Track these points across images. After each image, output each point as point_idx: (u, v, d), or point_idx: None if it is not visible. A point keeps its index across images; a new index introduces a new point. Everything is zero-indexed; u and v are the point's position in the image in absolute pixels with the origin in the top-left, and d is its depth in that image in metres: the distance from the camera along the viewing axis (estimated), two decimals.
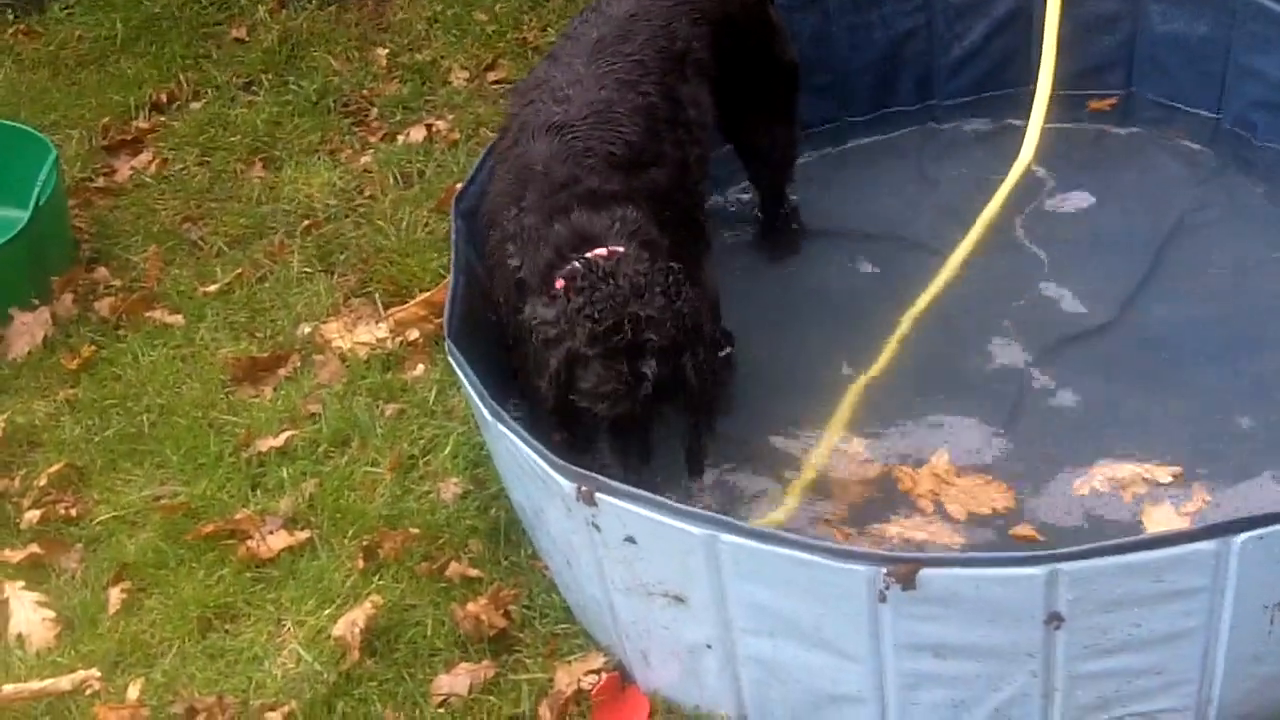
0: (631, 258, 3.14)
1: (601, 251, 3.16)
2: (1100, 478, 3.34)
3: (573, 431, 3.28)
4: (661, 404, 3.14)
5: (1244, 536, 2.56)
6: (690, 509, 2.79)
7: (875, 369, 3.67)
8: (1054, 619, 2.61)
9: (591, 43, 3.55)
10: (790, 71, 4.02)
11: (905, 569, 2.59)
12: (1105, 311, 3.82)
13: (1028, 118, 4.27)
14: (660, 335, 3.06)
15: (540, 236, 3.26)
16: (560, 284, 3.15)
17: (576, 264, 3.15)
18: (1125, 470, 3.35)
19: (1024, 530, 3.25)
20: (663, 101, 3.50)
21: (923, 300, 3.82)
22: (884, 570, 2.59)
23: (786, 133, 4.08)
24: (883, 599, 2.62)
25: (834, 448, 3.52)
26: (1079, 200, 4.18)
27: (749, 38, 3.87)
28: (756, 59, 3.89)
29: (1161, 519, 3.19)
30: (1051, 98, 4.24)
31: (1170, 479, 3.33)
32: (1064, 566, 2.54)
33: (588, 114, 3.39)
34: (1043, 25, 4.31)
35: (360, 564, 3.48)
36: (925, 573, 2.59)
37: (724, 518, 2.76)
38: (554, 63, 3.59)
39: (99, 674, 3.35)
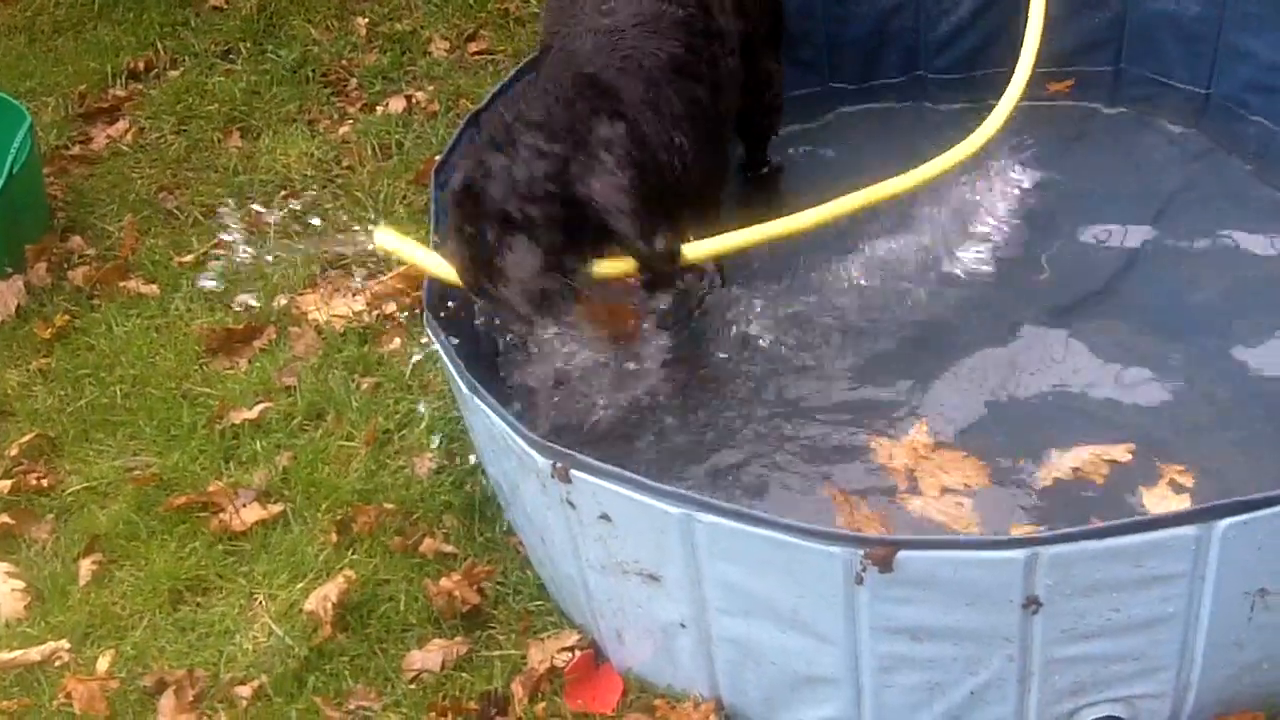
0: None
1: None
2: (1079, 458, 3.31)
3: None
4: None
5: (1226, 522, 2.54)
6: (666, 487, 2.76)
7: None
8: (1032, 603, 2.58)
9: None
10: (779, 6, 4.07)
11: (882, 551, 2.56)
12: (1089, 291, 3.78)
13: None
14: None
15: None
16: None
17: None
18: (1105, 451, 3.31)
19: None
20: (698, 12, 3.52)
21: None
22: (861, 552, 2.57)
23: (776, 67, 4.07)
24: (859, 581, 2.59)
25: None
26: (1062, 179, 4.13)
27: None
28: None
29: (1150, 501, 3.16)
30: (1032, 73, 4.18)
31: (1155, 462, 3.29)
32: (1043, 550, 2.52)
33: (636, 22, 3.41)
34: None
35: (333, 538, 3.45)
36: (903, 555, 2.56)
37: (700, 496, 2.72)
38: None
39: (69, 645, 3.34)
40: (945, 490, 3.23)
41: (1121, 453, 3.29)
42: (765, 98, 4.04)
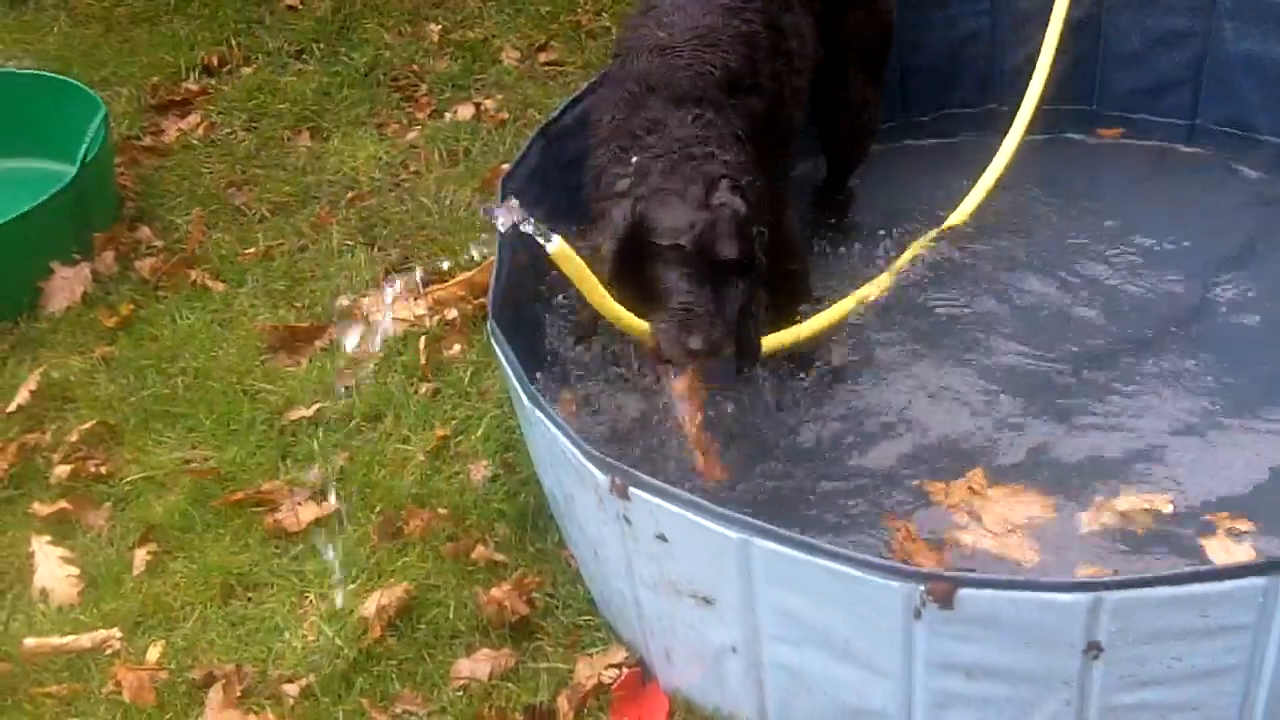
0: (700, 134, 3.24)
1: (678, 133, 3.25)
2: (1124, 504, 3.28)
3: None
4: (734, 271, 3.16)
5: None
6: (726, 511, 2.75)
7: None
8: (1093, 648, 2.55)
9: None
10: (887, 30, 4.04)
11: (944, 587, 2.54)
12: (1150, 332, 3.76)
13: (1086, 131, 4.21)
14: (731, 173, 3.17)
15: (622, 126, 3.34)
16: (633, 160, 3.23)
17: (648, 139, 3.25)
18: (1150, 501, 3.28)
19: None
20: (765, 30, 3.52)
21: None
22: (922, 588, 2.55)
23: (872, 94, 4.06)
24: (918, 616, 2.57)
25: None
26: (1131, 219, 4.10)
27: None
28: (858, 6, 3.90)
29: (1212, 550, 3.12)
30: (1038, 107, 4.16)
31: (1206, 513, 3.26)
32: (1108, 595, 2.49)
33: (691, 37, 3.43)
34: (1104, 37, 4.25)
35: (386, 541, 3.45)
36: (964, 593, 2.54)
37: (759, 522, 2.71)
38: None
39: (120, 634, 3.35)
40: (1007, 525, 3.20)
41: (1163, 503, 3.25)
42: (856, 123, 4.05)
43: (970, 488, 3.35)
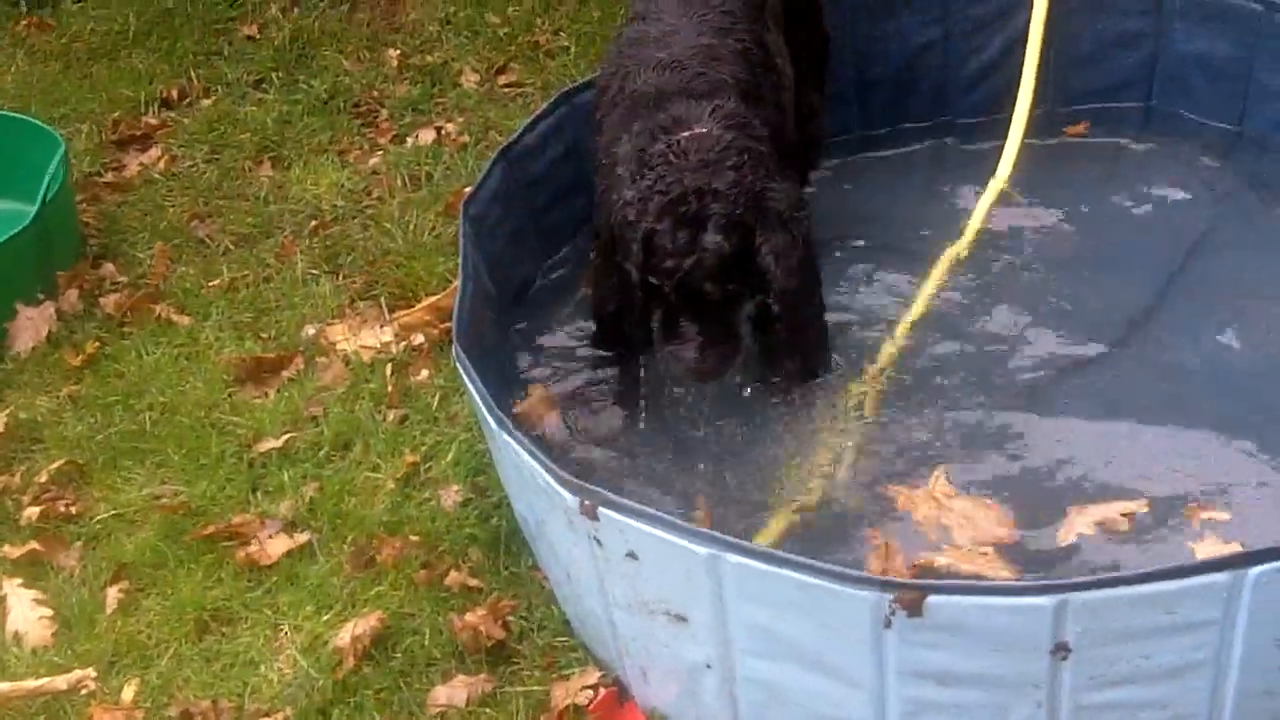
0: (712, 136, 3.21)
1: (687, 133, 3.23)
2: (1099, 514, 3.28)
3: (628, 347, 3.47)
4: (737, 287, 3.21)
5: (1258, 569, 2.52)
6: (694, 527, 2.76)
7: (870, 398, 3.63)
8: (1061, 649, 2.57)
9: (676, 1, 3.63)
10: (826, 41, 4.12)
11: (912, 596, 2.55)
12: (1112, 335, 3.76)
13: (1042, 134, 4.24)
14: (723, 206, 3.13)
15: (641, 129, 3.34)
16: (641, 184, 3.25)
17: (661, 144, 3.23)
18: (1123, 507, 3.27)
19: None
20: (756, 47, 3.57)
21: (902, 326, 3.79)
22: (890, 597, 2.56)
23: (820, 101, 4.12)
24: (888, 625, 2.58)
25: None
26: (1089, 219, 4.13)
27: (802, 4, 3.96)
28: (805, 23, 3.96)
29: (1200, 549, 3.13)
30: (1031, 114, 4.20)
31: (1182, 510, 3.27)
32: (1074, 597, 2.51)
33: (694, 53, 3.46)
34: (1050, 41, 4.29)
35: (359, 570, 3.44)
36: (932, 600, 2.55)
37: (728, 538, 2.72)
38: (643, 21, 3.66)
39: (95, 674, 3.33)
40: (973, 540, 3.21)
41: (1139, 506, 3.26)
42: (808, 130, 4.06)
43: (935, 497, 3.36)
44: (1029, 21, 4.31)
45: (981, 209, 4.06)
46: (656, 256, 3.19)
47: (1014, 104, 4.24)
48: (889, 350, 3.68)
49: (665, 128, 3.31)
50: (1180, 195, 4.21)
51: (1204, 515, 3.21)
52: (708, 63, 3.47)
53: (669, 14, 3.62)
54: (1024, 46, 4.31)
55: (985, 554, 3.17)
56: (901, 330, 3.73)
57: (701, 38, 3.52)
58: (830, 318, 3.62)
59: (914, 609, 2.55)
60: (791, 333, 3.38)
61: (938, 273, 3.89)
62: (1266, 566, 2.54)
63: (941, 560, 3.13)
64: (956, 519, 3.26)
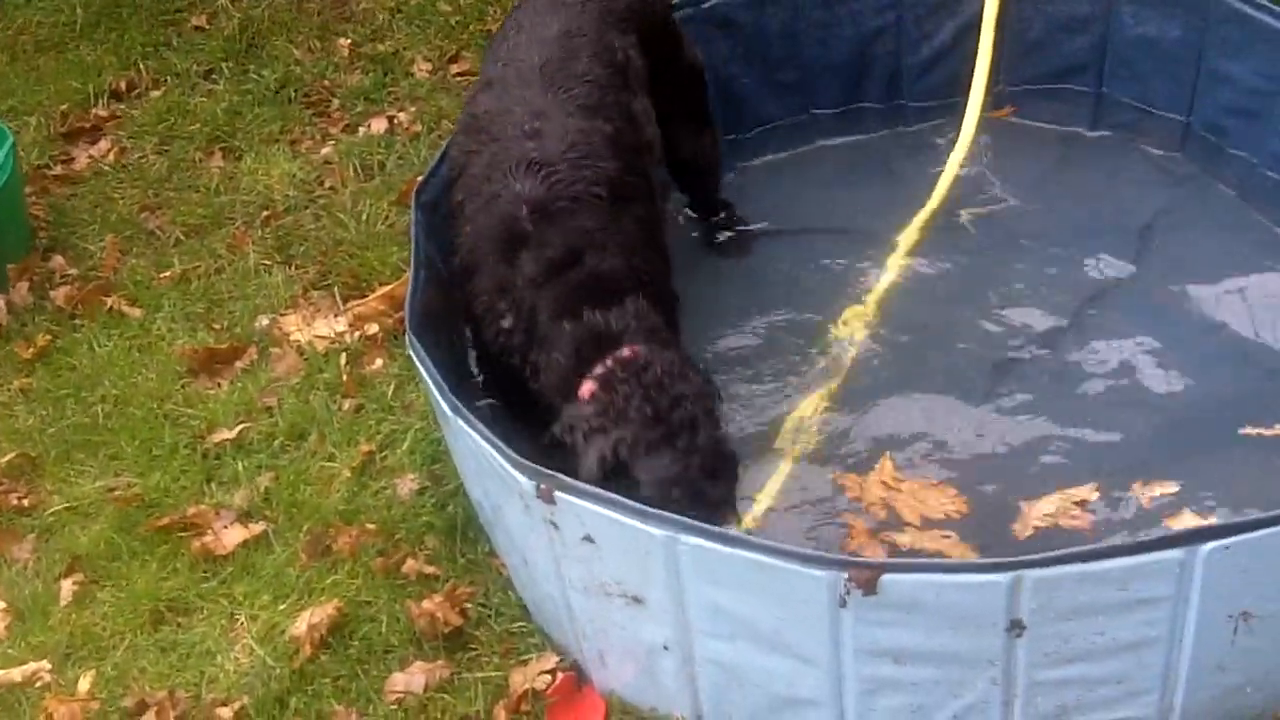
0: (656, 353, 3.12)
1: (626, 353, 3.12)
2: (1050, 504, 3.29)
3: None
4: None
5: (1210, 545, 2.55)
6: (650, 509, 2.76)
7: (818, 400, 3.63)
8: (1015, 626, 2.59)
9: (537, 68, 3.46)
10: (699, 74, 4.01)
11: (867, 574, 2.56)
12: (1065, 316, 3.79)
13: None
14: (707, 406, 3.08)
15: (555, 336, 3.20)
16: (589, 388, 3.10)
17: (609, 364, 3.11)
18: (1074, 494, 3.31)
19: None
20: (625, 125, 3.47)
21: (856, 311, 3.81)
22: (845, 575, 2.57)
23: (709, 135, 4.06)
24: (844, 604, 2.60)
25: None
26: (1041, 204, 4.15)
27: (664, 44, 3.84)
28: (670, 65, 3.85)
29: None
30: (985, 98, 4.22)
31: (1137, 483, 3.30)
32: (1027, 574, 2.52)
33: (565, 149, 3.32)
34: (1003, 26, 4.31)
35: (315, 559, 3.43)
36: (887, 578, 2.56)
37: (683, 519, 2.72)
38: (504, 92, 3.48)
39: (49, 666, 3.32)
40: (923, 519, 3.23)
41: (1088, 492, 3.29)
42: (702, 161, 4.04)
43: (883, 481, 3.38)
44: (982, 6, 4.33)
45: (939, 192, 4.07)
46: (650, 465, 3.03)
47: (968, 88, 4.26)
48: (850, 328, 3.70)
49: (595, 347, 3.14)
50: (1132, 178, 4.24)
51: (1153, 490, 3.24)
52: (579, 166, 3.29)
53: (531, 87, 3.43)
54: (976, 31, 4.33)
55: (948, 536, 3.19)
56: (871, 305, 3.76)
57: (571, 120, 3.37)
58: (789, 305, 3.65)
59: (869, 587, 2.56)
60: None
61: (897, 255, 3.91)
62: (1218, 542, 2.57)
63: (905, 539, 3.14)
64: (905, 500, 3.28)
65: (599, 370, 3.11)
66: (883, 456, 3.42)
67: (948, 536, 3.22)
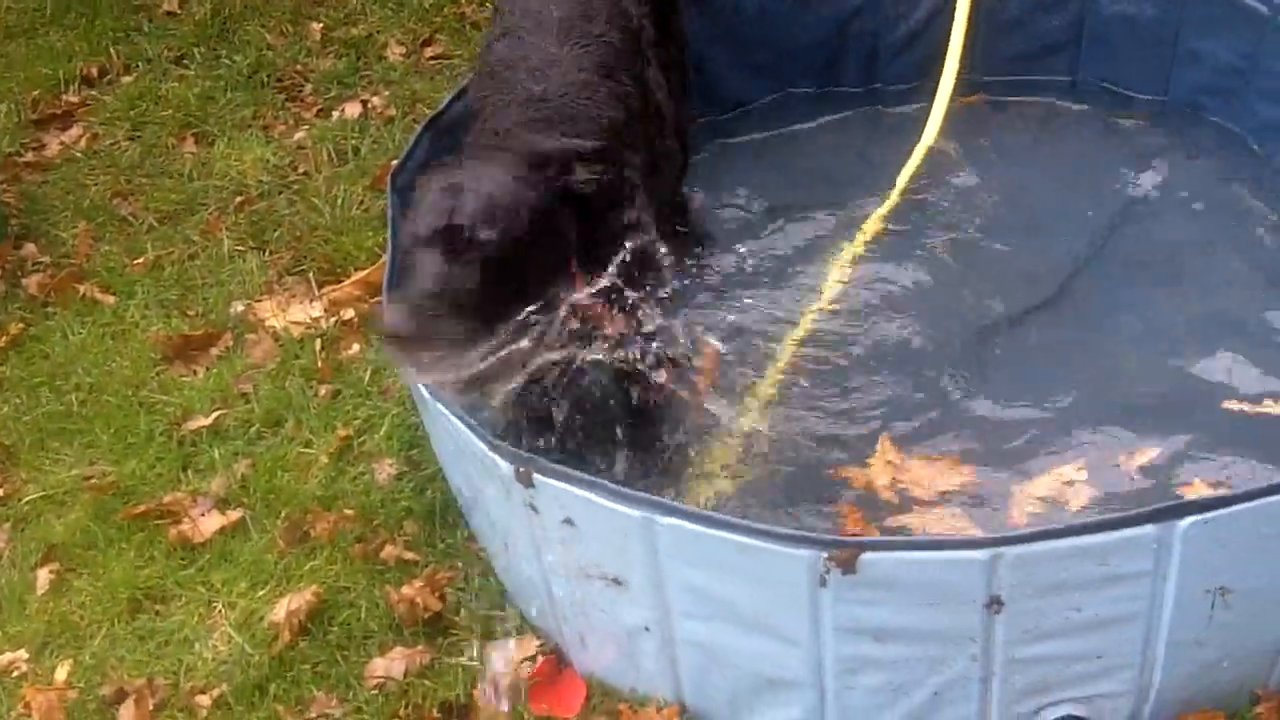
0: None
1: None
2: (1041, 486, 3.30)
3: None
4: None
5: (1188, 520, 2.56)
6: (628, 490, 2.75)
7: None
8: (994, 603, 2.59)
9: (556, 22, 3.44)
10: (686, 47, 4.00)
11: (846, 553, 2.56)
12: (1042, 296, 3.78)
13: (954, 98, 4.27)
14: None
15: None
16: None
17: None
18: (1061, 474, 3.31)
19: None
20: (636, 89, 3.45)
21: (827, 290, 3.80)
22: (825, 554, 2.57)
23: (681, 110, 3.97)
24: (823, 583, 2.59)
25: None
26: (1019, 181, 4.15)
27: (669, 12, 3.85)
28: (671, 34, 3.86)
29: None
30: (959, 75, 4.21)
31: (1122, 454, 3.31)
32: (1006, 550, 2.53)
33: (566, 91, 3.30)
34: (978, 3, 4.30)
35: (294, 545, 3.42)
36: (866, 557, 2.56)
37: (663, 500, 2.72)
38: (519, 42, 3.45)
39: (27, 655, 3.31)
40: (939, 494, 3.23)
41: (1075, 471, 3.30)
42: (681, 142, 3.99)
43: (889, 462, 3.37)
44: None
45: (907, 172, 4.06)
46: None
47: (942, 68, 4.25)
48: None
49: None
50: (1110, 156, 4.24)
51: (1141, 460, 3.26)
52: (579, 100, 3.26)
53: (548, 38, 3.40)
54: (951, 9, 4.32)
55: (955, 514, 3.19)
56: (825, 295, 3.75)
57: (582, 74, 3.33)
58: (765, 284, 3.62)
59: (848, 566, 2.56)
60: None
61: (858, 241, 3.91)
62: (1196, 518, 2.57)
63: (915, 521, 3.16)
64: (914, 478, 3.28)
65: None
66: (881, 438, 3.41)
67: (955, 514, 3.23)
